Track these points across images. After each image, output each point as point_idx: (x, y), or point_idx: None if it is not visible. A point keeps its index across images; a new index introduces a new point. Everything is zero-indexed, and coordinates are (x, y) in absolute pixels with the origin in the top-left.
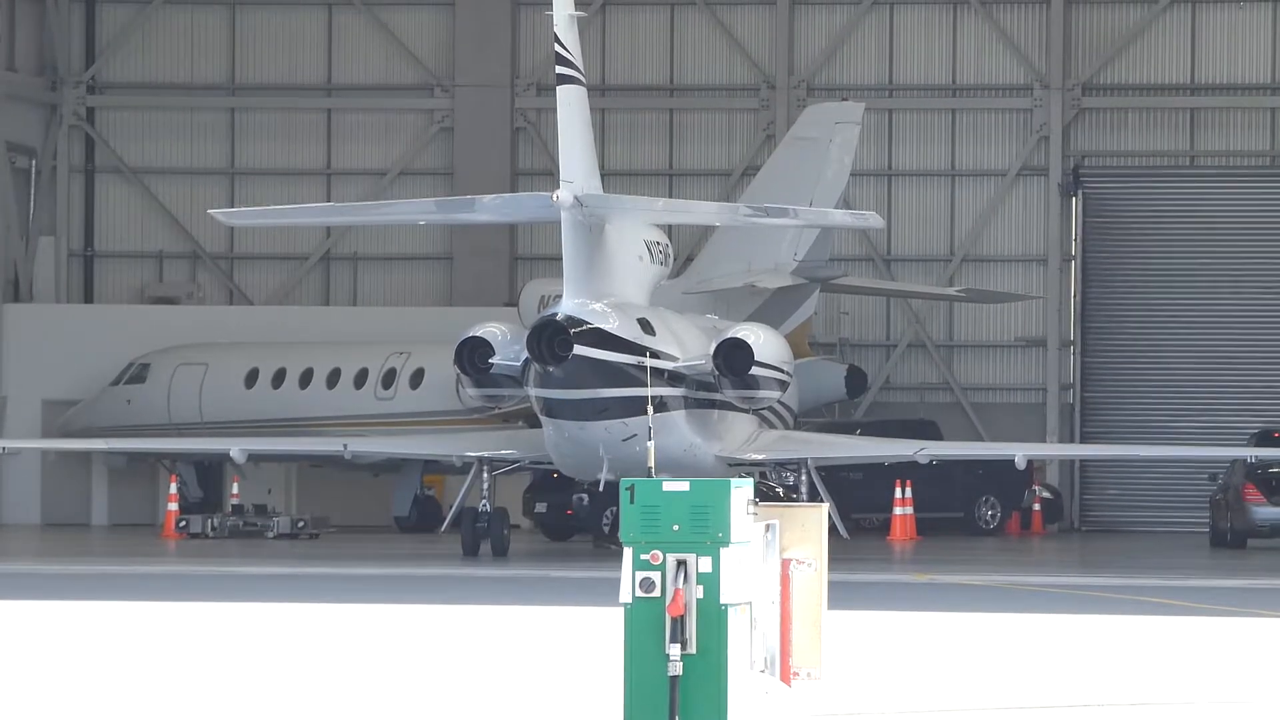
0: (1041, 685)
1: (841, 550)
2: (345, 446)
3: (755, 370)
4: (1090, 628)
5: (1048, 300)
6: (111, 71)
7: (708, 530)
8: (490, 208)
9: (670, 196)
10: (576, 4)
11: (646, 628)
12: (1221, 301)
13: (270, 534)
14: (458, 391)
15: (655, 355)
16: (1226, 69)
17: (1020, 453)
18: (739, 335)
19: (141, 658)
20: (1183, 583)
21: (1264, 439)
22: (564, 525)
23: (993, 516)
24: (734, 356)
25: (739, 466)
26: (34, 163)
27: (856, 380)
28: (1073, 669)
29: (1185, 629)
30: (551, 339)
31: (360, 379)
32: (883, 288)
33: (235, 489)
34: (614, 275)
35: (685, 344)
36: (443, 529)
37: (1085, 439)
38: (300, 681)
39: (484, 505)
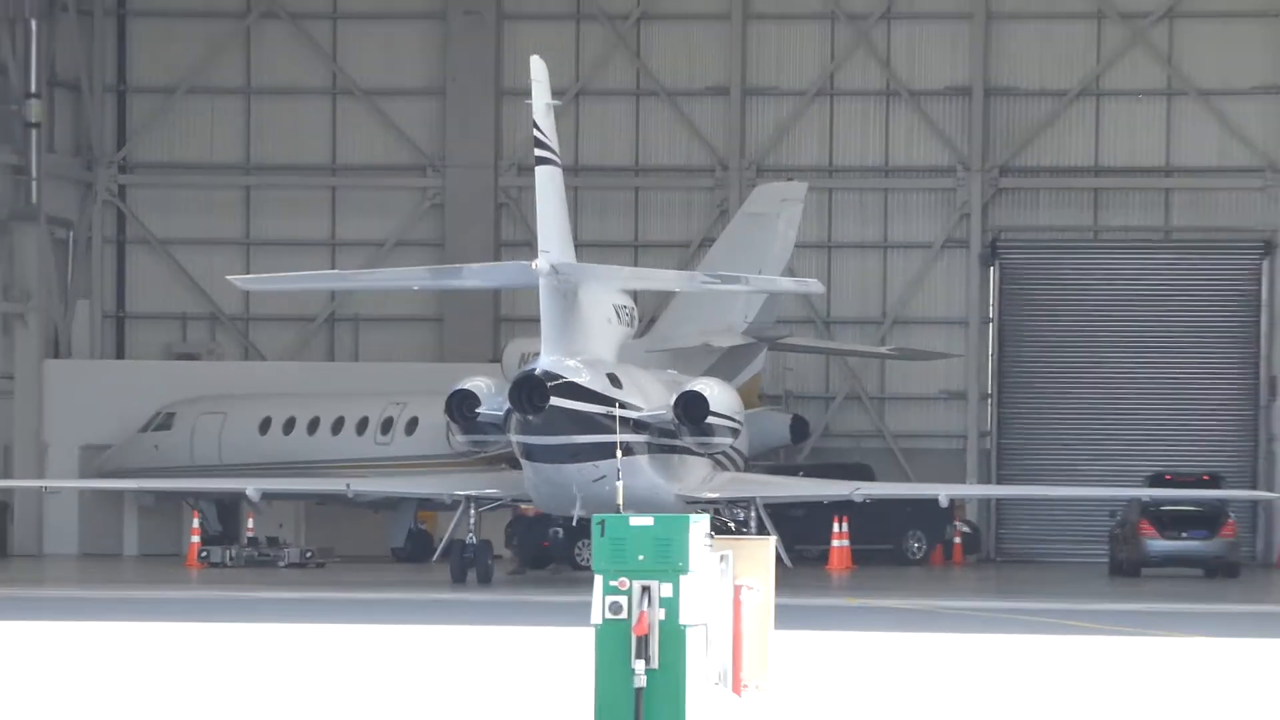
0: (961, 696)
1: (786, 577)
2: (348, 486)
3: (710, 419)
4: (1003, 646)
5: (968, 358)
6: (140, 153)
7: (669, 560)
8: (476, 274)
9: (636, 265)
10: (553, 94)
11: (614, 646)
12: (1121, 359)
13: (281, 563)
14: (448, 438)
15: (622, 406)
16: (1126, 154)
17: (944, 493)
18: (696, 388)
19: (164, 672)
20: (1085, 606)
21: (1156, 481)
22: (542, 556)
23: (919, 548)
24: (692, 407)
25: (696, 504)
26: (71, 234)
27: (799, 428)
28: (988, 682)
29: (1087, 647)
30: (531, 391)
31: (361, 426)
32: (823, 347)
33: (250, 523)
34: (586, 335)
35: (649, 396)
36: (434, 559)
37: (1001, 480)
38: (302, 692)
39: (470, 538)
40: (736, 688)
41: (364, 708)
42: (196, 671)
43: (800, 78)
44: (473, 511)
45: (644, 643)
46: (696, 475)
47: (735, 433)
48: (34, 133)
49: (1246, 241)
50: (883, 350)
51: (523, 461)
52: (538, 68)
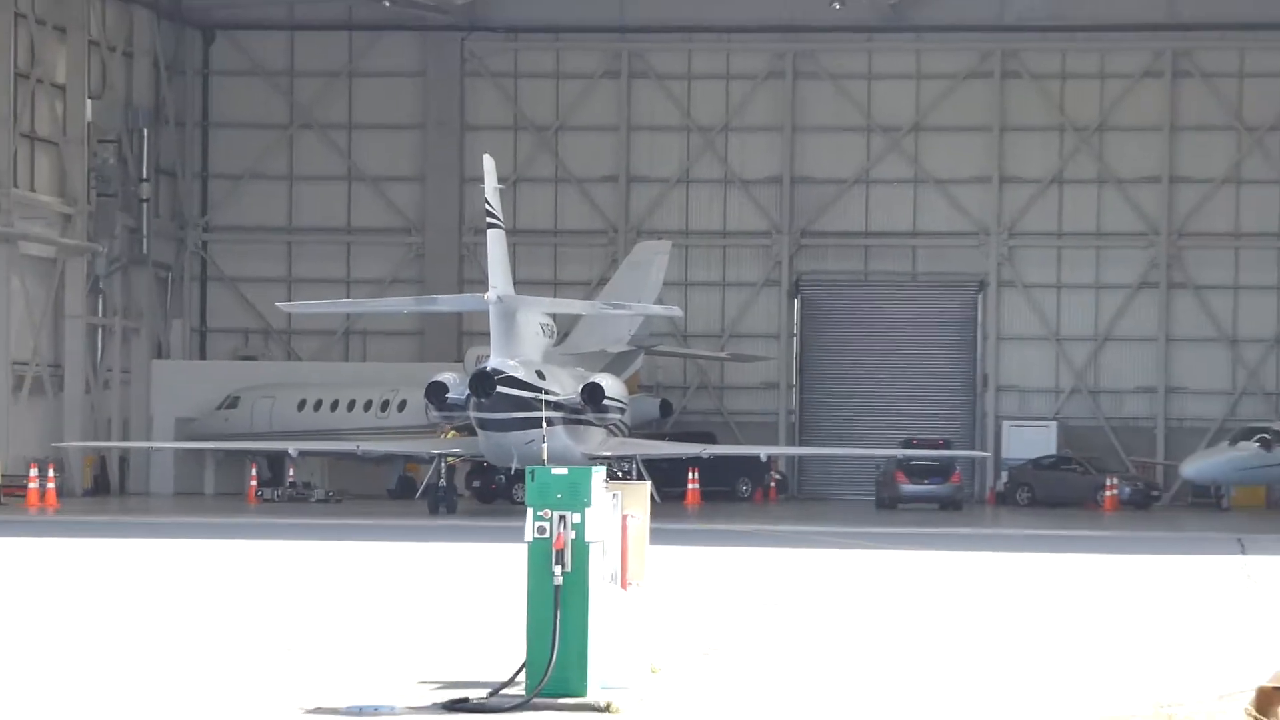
0: (776, 585)
1: (656, 510)
2: (358, 447)
3: (606, 401)
4: (803, 556)
5: (779, 360)
6: (217, 218)
7: (578, 498)
8: (446, 303)
9: (555, 297)
10: (498, 180)
11: (541, 557)
12: (883, 361)
13: (312, 500)
14: (426, 413)
15: (547, 392)
16: (886, 222)
17: (763, 451)
18: (596, 380)
19: (229, 570)
20: (858, 529)
21: (907, 444)
22: (491, 494)
23: (746, 490)
24: (593, 393)
25: (596, 460)
26: (170, 274)
27: (666, 408)
28: (795, 577)
29: (858, 557)
30: (484, 382)
31: (367, 406)
32: (682, 352)
33: (291, 472)
34: (521, 343)
35: (564, 385)
36: (416, 497)
37: (802, 443)
38: (321, 581)
39: (441, 482)
40: (624, 584)
41: (366, 590)
42: (251, 570)
43: (665, 169)
44: (443, 464)
45: (561, 554)
46: (596, 439)
47: (622, 411)
48: (145, 205)
49: (966, 283)
50: (722, 355)
51: (478, 431)
52: (488, 163)
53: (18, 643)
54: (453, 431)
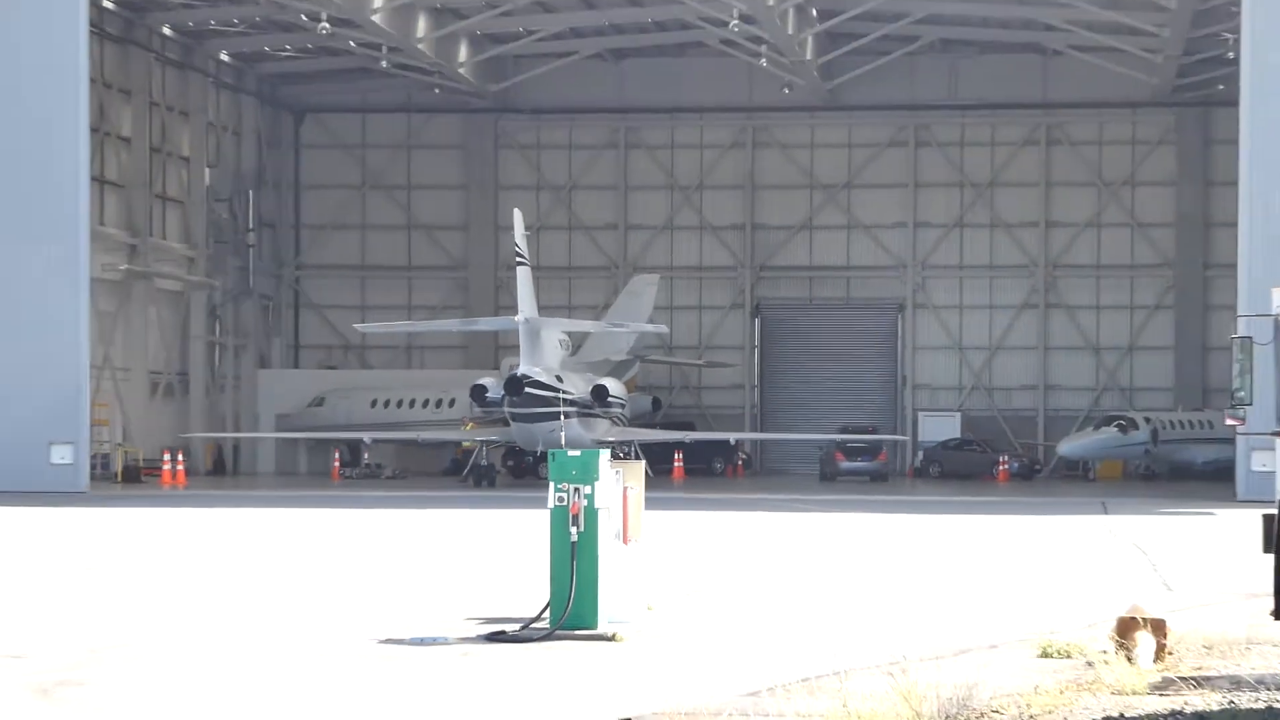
0: (749, 537)
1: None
2: (418, 435)
3: (610, 399)
4: (759, 517)
5: (744, 366)
6: (307, 259)
7: (589, 474)
8: (485, 323)
9: (570, 319)
10: (525, 227)
11: (560, 519)
12: (825, 365)
13: (382, 477)
14: (470, 409)
15: (564, 393)
16: (825, 258)
17: (732, 436)
18: (602, 382)
19: (317, 533)
20: (806, 496)
21: (843, 430)
22: (522, 471)
23: (720, 467)
24: (600, 393)
25: (602, 444)
26: (270, 303)
27: (656, 404)
28: (761, 531)
29: (806, 519)
30: (515, 384)
31: (424, 403)
32: (668, 360)
33: (366, 456)
34: (544, 355)
35: (577, 387)
36: (464, 474)
37: (763, 430)
38: (388, 541)
39: (485, 461)
40: (625, 541)
41: (424, 546)
42: (334, 531)
43: (654, 219)
44: (485, 448)
45: (576, 518)
46: (602, 428)
47: (623, 406)
48: (251, 250)
49: (888, 305)
50: (699, 362)
51: (510, 422)
52: (516, 215)
53: (159, 580)
54: (471, 423)
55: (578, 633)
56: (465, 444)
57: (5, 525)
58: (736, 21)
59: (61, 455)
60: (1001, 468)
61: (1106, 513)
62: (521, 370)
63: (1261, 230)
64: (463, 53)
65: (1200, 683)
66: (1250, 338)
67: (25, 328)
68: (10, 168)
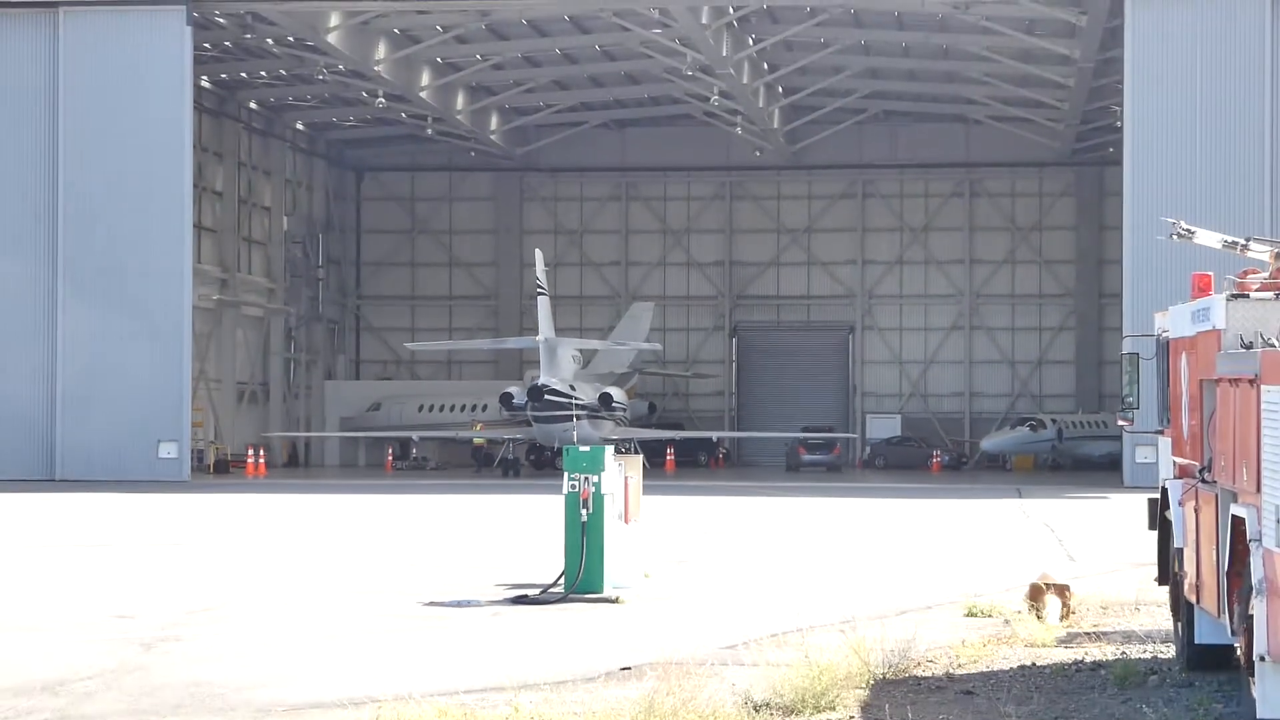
0: (721, 522)
1: (647, 474)
2: (456, 434)
3: (614, 404)
4: (736, 501)
5: (724, 377)
6: (366, 290)
7: (597, 465)
8: (512, 343)
9: (581, 338)
10: (545, 264)
11: (573, 502)
12: (790, 377)
13: (428, 469)
14: (500, 412)
15: (576, 399)
16: (790, 289)
17: (714, 435)
18: (607, 390)
19: (374, 515)
20: (774, 484)
21: (805, 429)
22: (542, 464)
23: (705, 460)
24: (606, 399)
25: (608, 442)
26: (336, 326)
27: (652, 409)
28: (741, 513)
29: (774, 503)
30: (536, 393)
31: (462, 408)
32: (661, 372)
33: (414, 451)
34: (560, 367)
35: (587, 394)
36: (494, 466)
37: (740, 429)
38: (432, 521)
39: (511, 455)
40: (626, 520)
41: (461, 524)
42: (388, 513)
43: (651, 257)
44: (511, 443)
45: (585, 502)
46: (608, 428)
47: (625, 410)
48: (320, 283)
49: (842, 328)
50: (687, 374)
51: (532, 423)
52: (538, 255)
53: (245, 553)
54: (480, 424)
55: (587, 596)
56: (477, 440)
57: (122, 509)
58: (717, 97)
59: (167, 451)
60: (935, 460)
61: (1021, 497)
62: (542, 380)
63: (1144, 266)
64: (494, 122)
65: (1098, 637)
66: (1137, 354)
67: (139, 346)
68: (133, 218)
